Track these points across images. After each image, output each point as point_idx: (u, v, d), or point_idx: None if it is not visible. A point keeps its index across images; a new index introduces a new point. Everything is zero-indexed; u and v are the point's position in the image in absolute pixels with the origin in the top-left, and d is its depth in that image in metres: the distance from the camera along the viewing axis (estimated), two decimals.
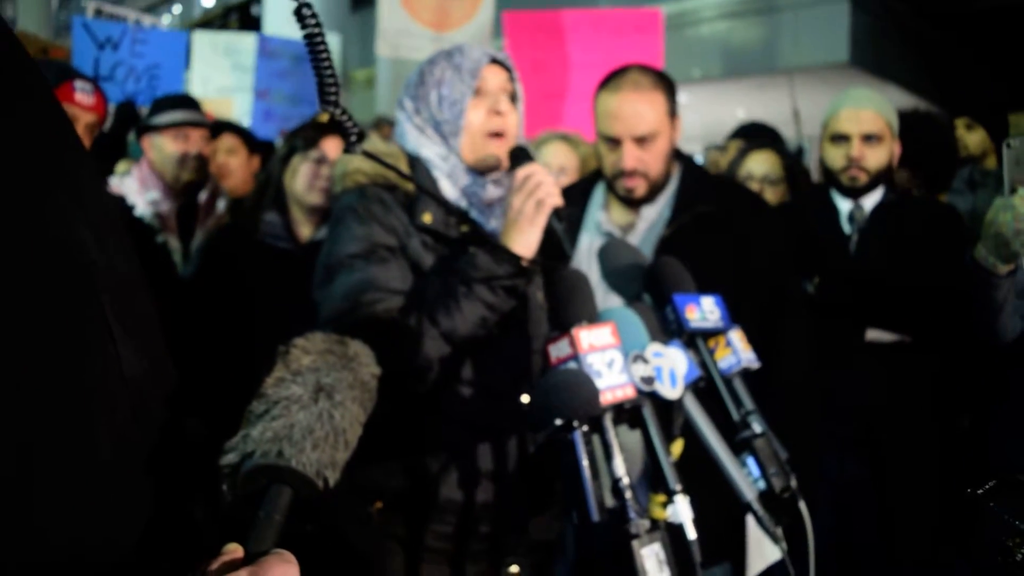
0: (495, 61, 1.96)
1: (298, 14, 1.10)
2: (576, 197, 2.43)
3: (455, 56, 1.94)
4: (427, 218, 1.87)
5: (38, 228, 0.74)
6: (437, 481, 1.84)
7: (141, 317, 0.87)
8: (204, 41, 6.18)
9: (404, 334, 1.75)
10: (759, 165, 3.37)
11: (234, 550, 0.80)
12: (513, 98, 1.99)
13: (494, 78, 1.95)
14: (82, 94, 2.60)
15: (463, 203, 1.94)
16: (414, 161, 1.95)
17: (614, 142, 2.28)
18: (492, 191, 1.95)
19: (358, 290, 1.78)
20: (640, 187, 2.29)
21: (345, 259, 1.82)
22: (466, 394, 1.86)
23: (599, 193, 2.46)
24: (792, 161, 3.50)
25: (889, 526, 2.72)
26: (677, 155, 2.41)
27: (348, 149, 1.33)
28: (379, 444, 1.75)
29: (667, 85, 2.31)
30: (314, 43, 1.15)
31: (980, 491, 1.11)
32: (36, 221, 0.74)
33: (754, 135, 3.90)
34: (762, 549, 1.74)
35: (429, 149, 1.95)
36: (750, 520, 1.50)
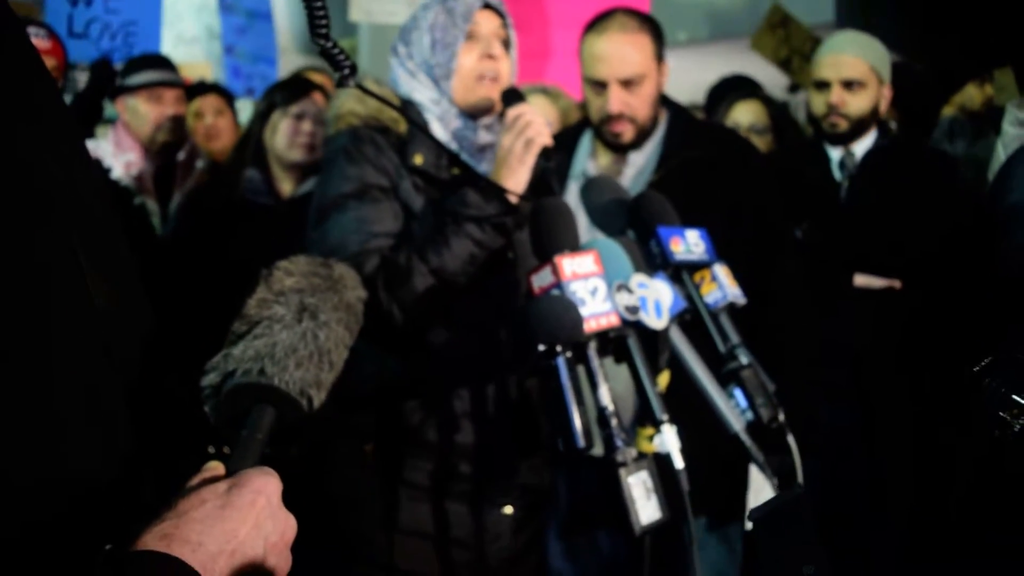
0: (488, 6, 1.95)
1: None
2: (563, 146, 2.40)
3: (448, 0, 1.93)
4: (418, 159, 1.88)
5: (4, 156, 0.72)
6: (421, 423, 1.85)
7: (115, 258, 0.85)
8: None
9: (394, 270, 1.77)
10: (745, 115, 3.34)
11: (215, 467, 0.79)
12: (507, 44, 1.98)
13: (487, 23, 1.94)
14: (36, 39, 2.55)
15: (454, 146, 1.94)
16: (406, 105, 1.95)
17: (600, 85, 2.24)
18: (483, 136, 1.96)
19: (350, 229, 1.80)
20: (627, 132, 2.26)
21: (337, 199, 1.83)
22: (453, 333, 1.87)
23: (586, 141, 2.43)
24: (778, 111, 3.47)
25: (878, 472, 2.72)
26: (664, 101, 2.38)
27: (341, 83, 1.29)
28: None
29: (653, 28, 2.27)
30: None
31: (977, 368, 1.10)
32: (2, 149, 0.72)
33: (736, 88, 3.87)
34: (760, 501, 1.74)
35: (421, 93, 1.95)
36: (752, 470, 1.49)
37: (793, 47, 4.43)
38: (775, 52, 4.51)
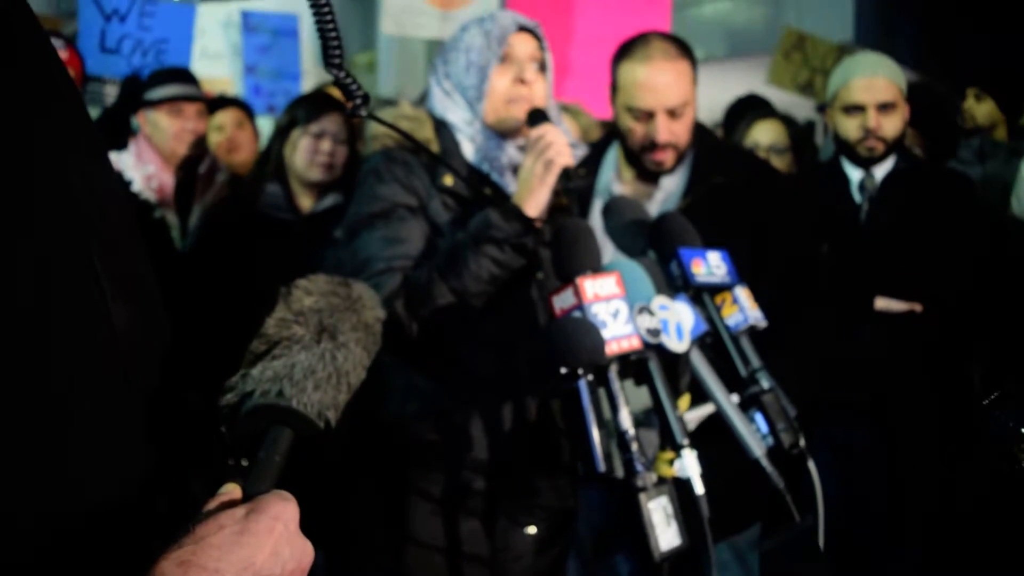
0: (524, 29, 1.96)
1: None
2: (587, 162, 2.40)
3: (486, 22, 1.96)
4: (448, 180, 1.91)
5: (24, 168, 0.71)
6: (439, 434, 1.88)
7: (136, 275, 0.85)
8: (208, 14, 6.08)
9: (416, 289, 1.80)
10: (765, 134, 3.34)
11: (232, 490, 0.78)
12: (543, 67, 1.99)
13: (522, 46, 1.95)
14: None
15: (484, 166, 1.96)
16: (440, 124, 1.98)
17: (645, 114, 2.22)
18: (514, 155, 1.97)
19: (378, 247, 1.84)
20: (670, 159, 2.24)
21: (367, 217, 1.88)
22: (473, 349, 1.88)
23: (611, 158, 2.42)
24: (797, 130, 3.47)
25: (898, 497, 2.69)
26: None
27: (353, 113, 1.29)
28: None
29: (691, 53, 2.27)
30: (316, 2, 1.11)
31: (985, 402, 1.09)
32: (23, 161, 0.71)
33: (753, 107, 3.86)
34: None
35: (454, 113, 1.98)
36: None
37: (814, 66, 4.39)
38: (794, 80, 4.48)
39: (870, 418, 2.69)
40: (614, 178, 2.38)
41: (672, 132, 2.21)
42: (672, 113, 2.19)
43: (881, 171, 2.78)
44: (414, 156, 1.93)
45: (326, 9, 1.11)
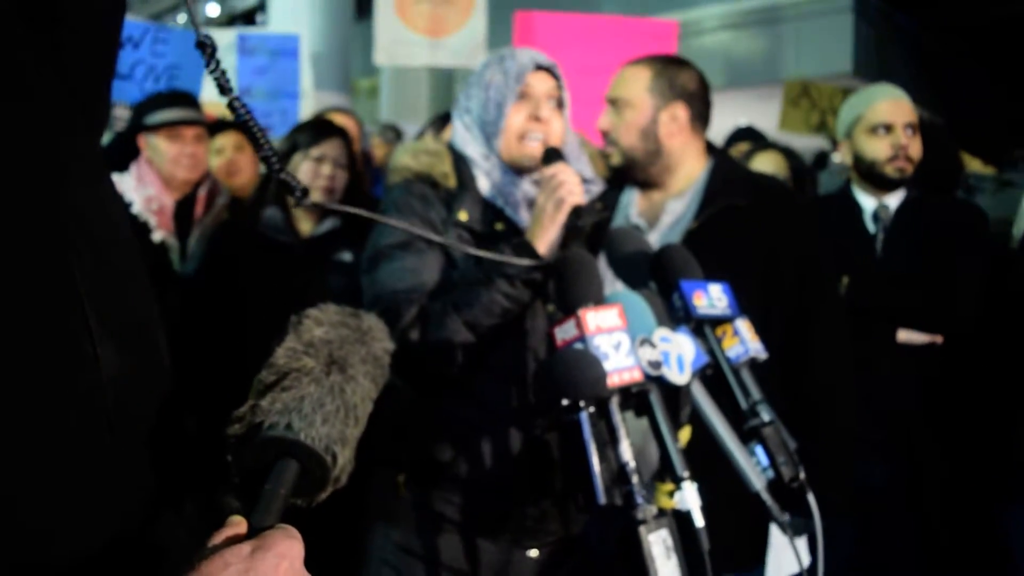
0: (542, 68, 2.02)
1: (231, 107, 1.06)
2: (605, 196, 2.44)
3: (506, 60, 2.02)
4: (463, 216, 1.97)
5: (14, 214, 0.71)
6: (451, 455, 1.92)
7: (132, 312, 0.83)
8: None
9: (431, 320, 1.86)
10: (765, 166, 3.36)
11: (238, 523, 0.77)
12: (560, 104, 2.05)
13: (540, 84, 2.01)
14: None
15: (499, 201, 2.01)
16: (458, 159, 2.05)
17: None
18: (529, 191, 2.03)
19: (396, 278, 1.91)
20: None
21: (386, 248, 1.95)
22: (485, 379, 1.93)
23: (630, 189, 2.45)
24: (798, 163, 3.48)
25: (921, 534, 2.65)
26: (711, 149, 2.40)
27: (299, 202, 1.28)
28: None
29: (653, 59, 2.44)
30: (247, 127, 1.11)
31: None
32: (13, 206, 0.71)
33: (745, 139, 3.89)
34: (780, 562, 1.71)
35: (472, 148, 2.05)
36: (773, 530, 1.47)
37: (823, 108, 4.45)
38: (806, 123, 4.55)
39: (890, 454, 2.65)
40: (634, 213, 2.40)
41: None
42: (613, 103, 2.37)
43: (894, 201, 2.76)
44: (433, 190, 2.00)
45: (254, 128, 1.11)
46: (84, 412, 0.74)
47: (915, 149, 2.73)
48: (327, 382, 0.93)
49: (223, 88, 1.01)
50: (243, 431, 0.88)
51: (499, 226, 1.99)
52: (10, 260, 0.70)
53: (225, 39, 5.63)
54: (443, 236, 1.95)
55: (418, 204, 1.97)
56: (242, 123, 1.07)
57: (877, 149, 2.76)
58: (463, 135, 2.07)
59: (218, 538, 0.74)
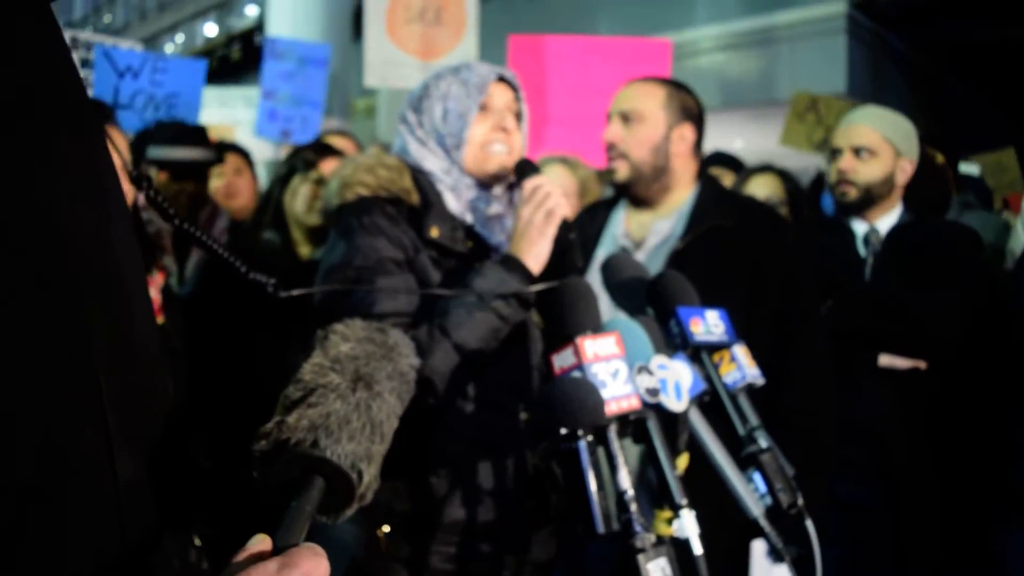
0: (502, 79, 1.97)
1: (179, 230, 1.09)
2: (600, 211, 2.49)
3: (462, 71, 1.95)
4: (435, 232, 1.86)
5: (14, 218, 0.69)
6: (442, 501, 1.81)
7: (135, 335, 0.81)
8: (213, 96, 6.22)
9: (417, 345, 1.70)
10: (761, 188, 3.38)
11: (262, 541, 0.77)
12: (519, 117, 2.00)
13: (501, 95, 1.96)
14: None
15: (468, 217, 1.93)
16: (417, 174, 1.94)
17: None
18: (494, 207, 1.96)
19: (369, 304, 1.75)
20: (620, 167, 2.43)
21: (354, 271, 1.79)
22: (470, 410, 1.84)
23: (621, 208, 2.46)
24: (793, 185, 3.50)
25: (902, 555, 2.64)
26: (699, 173, 2.43)
27: (273, 294, 1.24)
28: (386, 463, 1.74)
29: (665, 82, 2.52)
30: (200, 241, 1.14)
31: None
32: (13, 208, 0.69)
33: (719, 165, 3.90)
34: None
35: (431, 162, 1.95)
36: (754, 546, 1.47)
37: (828, 124, 4.43)
38: (808, 139, 4.53)
39: (875, 476, 2.65)
40: (620, 233, 2.42)
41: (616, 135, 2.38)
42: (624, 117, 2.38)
43: (885, 225, 2.77)
44: (395, 207, 1.86)
45: (207, 241, 1.12)
46: (94, 525, 0.73)
47: (865, 172, 2.72)
48: (353, 399, 0.93)
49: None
50: (269, 447, 0.88)
51: (468, 243, 1.90)
52: (10, 268, 0.69)
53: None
54: (414, 257, 1.83)
55: (384, 222, 1.83)
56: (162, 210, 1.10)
57: (830, 173, 2.83)
58: (419, 150, 1.96)
59: (243, 555, 0.74)
